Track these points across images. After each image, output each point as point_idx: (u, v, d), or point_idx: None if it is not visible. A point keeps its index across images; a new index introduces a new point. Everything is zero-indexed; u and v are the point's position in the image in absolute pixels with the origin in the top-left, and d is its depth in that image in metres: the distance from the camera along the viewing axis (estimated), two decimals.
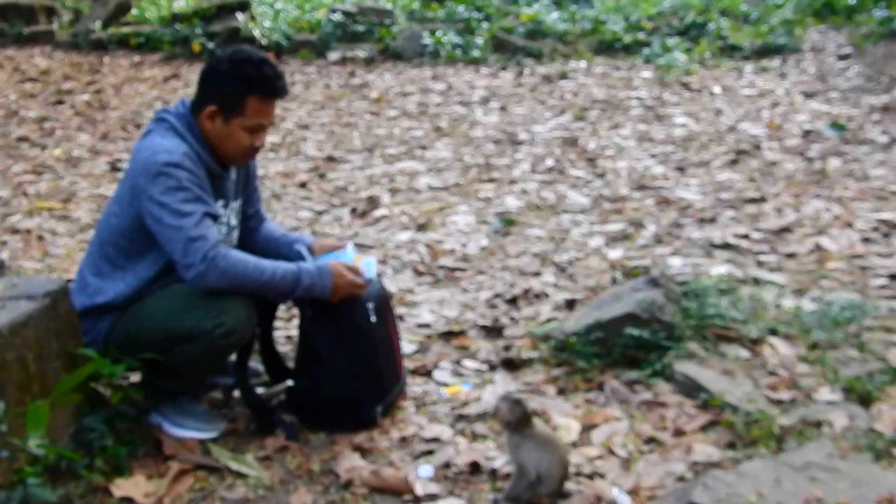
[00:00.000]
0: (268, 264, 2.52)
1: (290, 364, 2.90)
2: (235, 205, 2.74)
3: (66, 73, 9.51)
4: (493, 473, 2.46)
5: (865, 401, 2.72)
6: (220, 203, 2.63)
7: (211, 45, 10.09)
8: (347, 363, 2.64)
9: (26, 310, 2.20)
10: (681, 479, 2.38)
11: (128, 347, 2.46)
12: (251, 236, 2.89)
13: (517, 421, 2.24)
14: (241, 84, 2.52)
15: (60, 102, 8.07)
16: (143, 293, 2.52)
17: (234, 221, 2.74)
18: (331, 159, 6.18)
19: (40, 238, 4.50)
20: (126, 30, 10.95)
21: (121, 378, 2.52)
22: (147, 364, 2.47)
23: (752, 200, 4.93)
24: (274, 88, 2.55)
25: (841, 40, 10.49)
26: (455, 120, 7.28)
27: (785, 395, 2.76)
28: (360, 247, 4.42)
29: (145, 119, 7.40)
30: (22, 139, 6.66)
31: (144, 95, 8.40)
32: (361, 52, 10.00)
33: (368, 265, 2.75)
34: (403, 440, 2.65)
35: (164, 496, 2.33)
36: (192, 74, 9.41)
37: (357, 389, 2.67)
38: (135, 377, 2.70)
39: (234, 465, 2.48)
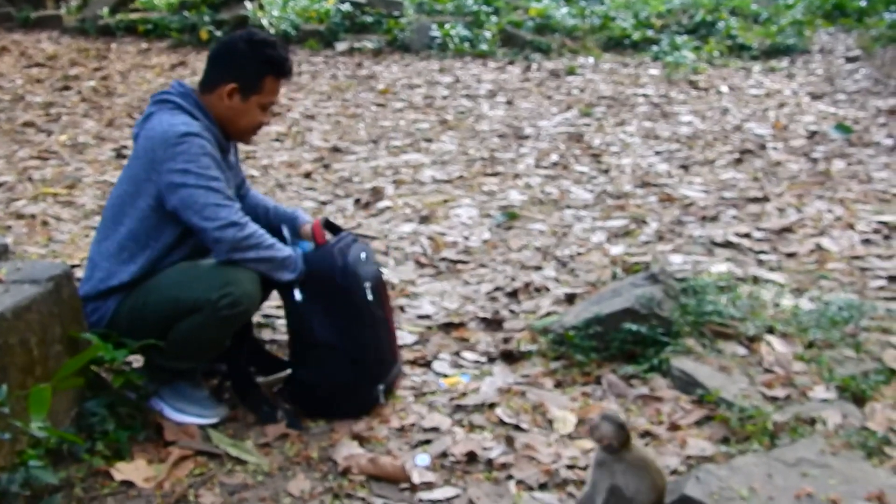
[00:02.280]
0: (274, 240, 2.63)
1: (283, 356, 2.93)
2: (233, 178, 2.81)
3: (72, 59, 9.53)
4: (490, 463, 2.49)
5: (859, 400, 2.75)
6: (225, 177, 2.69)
7: (218, 33, 10.11)
8: (348, 346, 2.67)
9: (30, 294, 2.22)
10: (674, 472, 2.41)
11: (135, 323, 2.50)
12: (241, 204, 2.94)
13: (619, 444, 2.11)
14: (261, 64, 2.65)
15: (67, 88, 8.09)
16: (152, 272, 2.56)
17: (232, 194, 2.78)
18: (336, 150, 6.20)
19: (45, 223, 4.53)
20: (134, 16, 10.97)
21: (122, 363, 2.55)
22: (151, 349, 2.50)
23: (755, 200, 4.94)
24: (288, 68, 2.72)
25: (850, 42, 10.47)
26: (461, 113, 7.29)
27: (780, 392, 2.79)
28: (364, 237, 4.45)
29: None
30: (28, 124, 6.69)
31: (151, 83, 8.41)
32: (369, 44, 10.01)
33: None
34: (402, 429, 2.68)
35: (164, 481, 2.36)
36: (199, 62, 9.43)
37: (359, 372, 2.70)
38: (137, 362, 2.73)
39: (234, 452, 2.51)
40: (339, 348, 2.66)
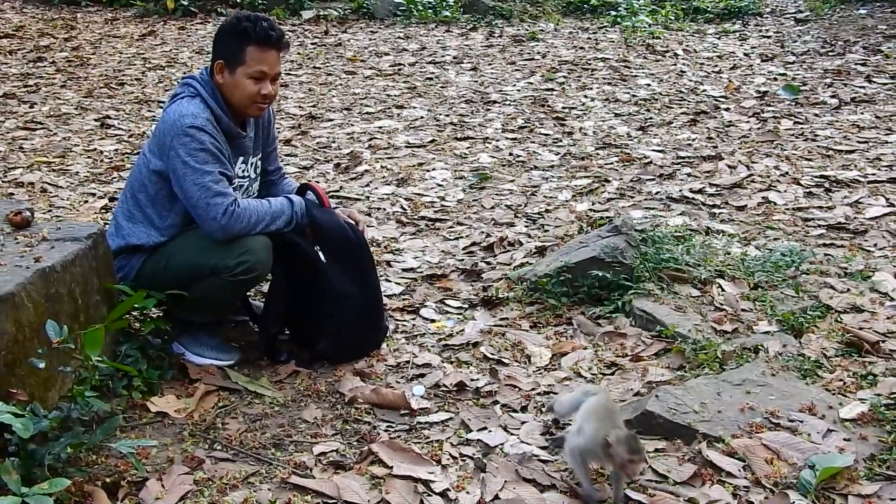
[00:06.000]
0: (265, 200, 2.92)
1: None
2: (254, 160, 3.07)
3: (41, 30, 9.59)
4: (477, 391, 2.84)
5: (797, 332, 3.14)
6: (241, 160, 2.97)
7: (185, 2, 10.21)
8: (367, 293, 3.03)
9: (73, 249, 2.51)
10: (637, 394, 2.78)
11: (156, 282, 2.79)
12: (271, 189, 3.23)
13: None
14: (239, 36, 2.86)
15: (40, 59, 8.19)
16: (172, 237, 2.85)
17: (253, 174, 3.07)
18: (312, 117, 6.46)
19: (44, 191, 4.76)
20: None
21: (149, 312, 2.85)
22: (172, 299, 2.80)
23: (709, 158, 5.33)
24: (267, 37, 2.85)
25: (800, 4, 10.89)
26: (428, 80, 7.57)
27: (728, 327, 3.17)
28: (346, 199, 4.75)
29: (128, 77, 7.59)
30: (8, 95, 6.83)
31: (123, 53, 8.54)
32: (335, 11, 10.19)
33: None
34: (397, 366, 3.03)
35: (193, 412, 2.68)
36: (168, 32, 9.56)
37: (377, 311, 3.10)
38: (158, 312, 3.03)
39: (252, 387, 2.84)
40: (359, 296, 2.99)
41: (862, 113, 6.28)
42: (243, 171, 2.99)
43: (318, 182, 5.05)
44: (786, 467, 2.33)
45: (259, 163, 3.12)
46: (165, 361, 2.88)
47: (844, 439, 2.43)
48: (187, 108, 2.79)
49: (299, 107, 6.75)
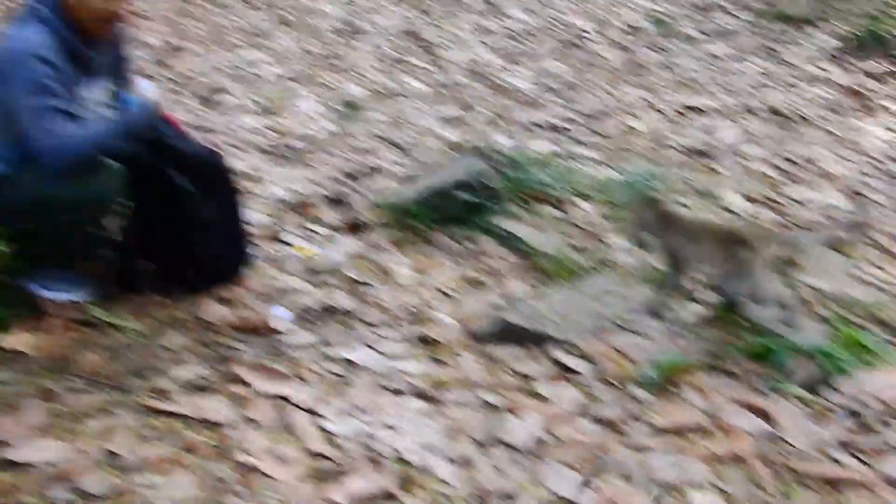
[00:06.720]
0: (95, 120, 2.76)
1: None
2: (106, 84, 2.89)
3: None
4: (342, 312, 2.87)
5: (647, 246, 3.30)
6: (90, 83, 2.78)
7: None
8: (234, 219, 2.99)
9: None
10: (498, 307, 2.88)
11: (3, 216, 2.65)
12: None
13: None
14: None
15: None
16: (19, 169, 2.69)
17: (104, 99, 2.89)
18: (174, 48, 6.21)
19: None
20: None
21: None
22: (22, 233, 2.67)
23: (575, 87, 5.45)
24: None
25: None
26: (296, 10, 7.38)
27: (587, 244, 3.30)
28: (211, 131, 4.62)
29: None
30: None
31: None
32: None
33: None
34: (262, 293, 3.00)
35: (49, 347, 2.58)
36: None
37: (242, 237, 3.05)
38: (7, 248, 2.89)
39: (110, 319, 2.75)
40: (222, 223, 2.94)
41: (723, 45, 6.54)
42: (93, 94, 2.83)
43: (178, 115, 4.89)
44: (631, 366, 2.47)
45: (113, 87, 2.97)
46: (17, 298, 2.75)
47: (685, 339, 2.60)
48: (28, 35, 2.62)
49: (165, 40, 6.45)
